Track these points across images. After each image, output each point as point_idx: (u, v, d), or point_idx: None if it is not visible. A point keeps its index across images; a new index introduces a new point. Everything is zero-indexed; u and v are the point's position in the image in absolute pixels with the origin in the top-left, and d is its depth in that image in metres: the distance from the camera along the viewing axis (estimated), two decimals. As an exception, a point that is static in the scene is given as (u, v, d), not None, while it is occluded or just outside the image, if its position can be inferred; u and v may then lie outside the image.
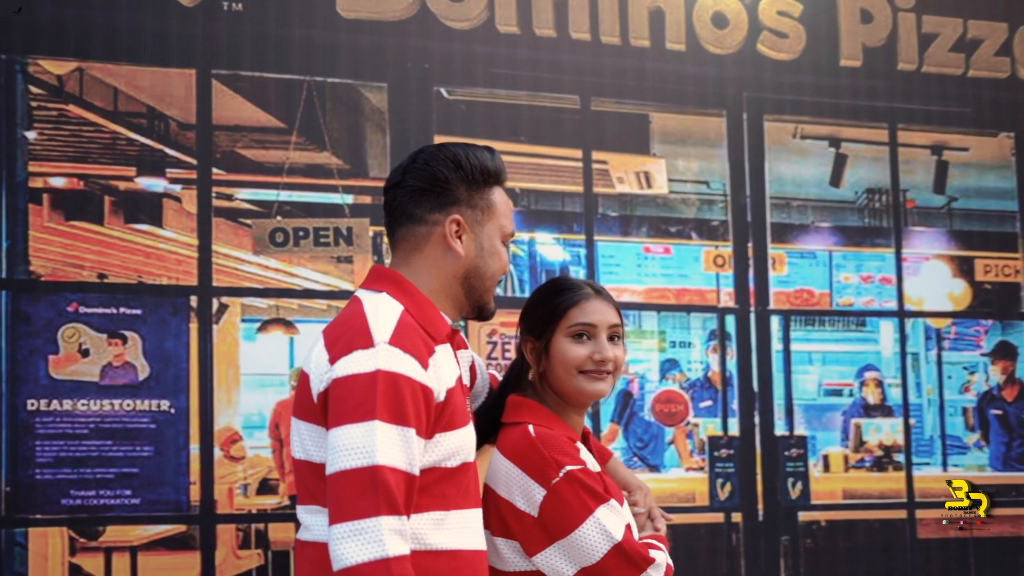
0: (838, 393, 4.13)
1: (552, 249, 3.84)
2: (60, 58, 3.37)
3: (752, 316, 4.03)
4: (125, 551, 3.29)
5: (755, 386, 4.01)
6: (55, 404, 3.27)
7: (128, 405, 3.33)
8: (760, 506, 3.97)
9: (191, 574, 3.33)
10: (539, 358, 2.42)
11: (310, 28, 3.60)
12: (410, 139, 3.61)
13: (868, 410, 4.15)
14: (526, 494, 2.26)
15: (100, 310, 3.34)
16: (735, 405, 3.98)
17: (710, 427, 3.96)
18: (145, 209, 3.41)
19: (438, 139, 3.58)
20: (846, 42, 4.23)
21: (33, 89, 3.34)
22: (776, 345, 4.05)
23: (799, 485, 4.03)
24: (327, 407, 2.07)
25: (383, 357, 2.04)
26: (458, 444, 2.17)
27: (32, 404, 3.25)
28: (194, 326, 3.41)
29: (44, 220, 3.31)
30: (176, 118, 3.46)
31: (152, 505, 3.32)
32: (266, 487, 3.42)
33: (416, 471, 2.04)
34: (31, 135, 3.33)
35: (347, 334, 2.11)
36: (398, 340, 2.07)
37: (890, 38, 4.29)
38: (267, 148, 3.54)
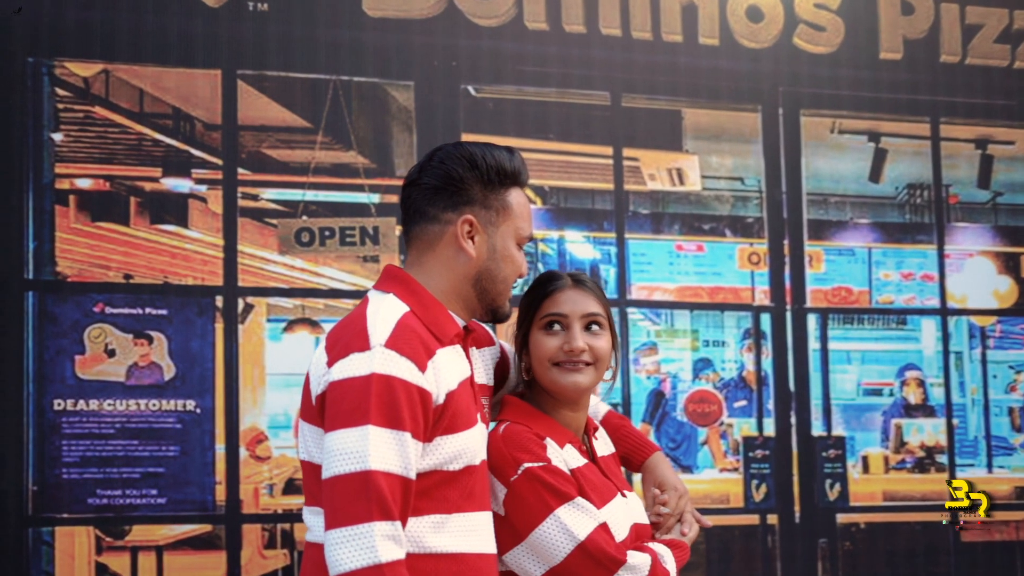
0: (878, 393, 4.05)
1: (582, 247, 3.80)
2: (86, 60, 3.39)
3: (788, 314, 3.96)
4: (151, 550, 3.31)
5: (791, 386, 3.94)
6: (81, 404, 3.29)
7: (154, 405, 3.34)
8: (797, 508, 3.90)
9: (217, 574, 3.34)
10: (520, 353, 2.37)
11: (336, 27, 3.59)
12: (437, 138, 3.58)
13: (909, 410, 4.06)
14: (492, 492, 2.23)
15: (126, 310, 3.36)
16: (770, 405, 3.92)
17: (745, 427, 3.89)
18: (171, 210, 3.42)
19: (465, 137, 3.56)
20: (886, 35, 4.14)
21: (59, 91, 3.36)
22: (813, 344, 3.98)
23: (837, 487, 3.95)
24: (324, 410, 2.05)
25: (378, 360, 2.01)
26: (460, 447, 2.13)
27: (59, 404, 3.28)
28: (220, 326, 3.42)
29: (70, 221, 3.34)
30: (202, 119, 3.47)
31: (178, 505, 3.33)
32: (292, 487, 3.42)
33: (412, 475, 2.01)
34: (57, 137, 3.35)
35: (345, 337, 2.09)
36: (394, 343, 2.04)
37: (932, 30, 4.19)
38: (293, 148, 3.54)
